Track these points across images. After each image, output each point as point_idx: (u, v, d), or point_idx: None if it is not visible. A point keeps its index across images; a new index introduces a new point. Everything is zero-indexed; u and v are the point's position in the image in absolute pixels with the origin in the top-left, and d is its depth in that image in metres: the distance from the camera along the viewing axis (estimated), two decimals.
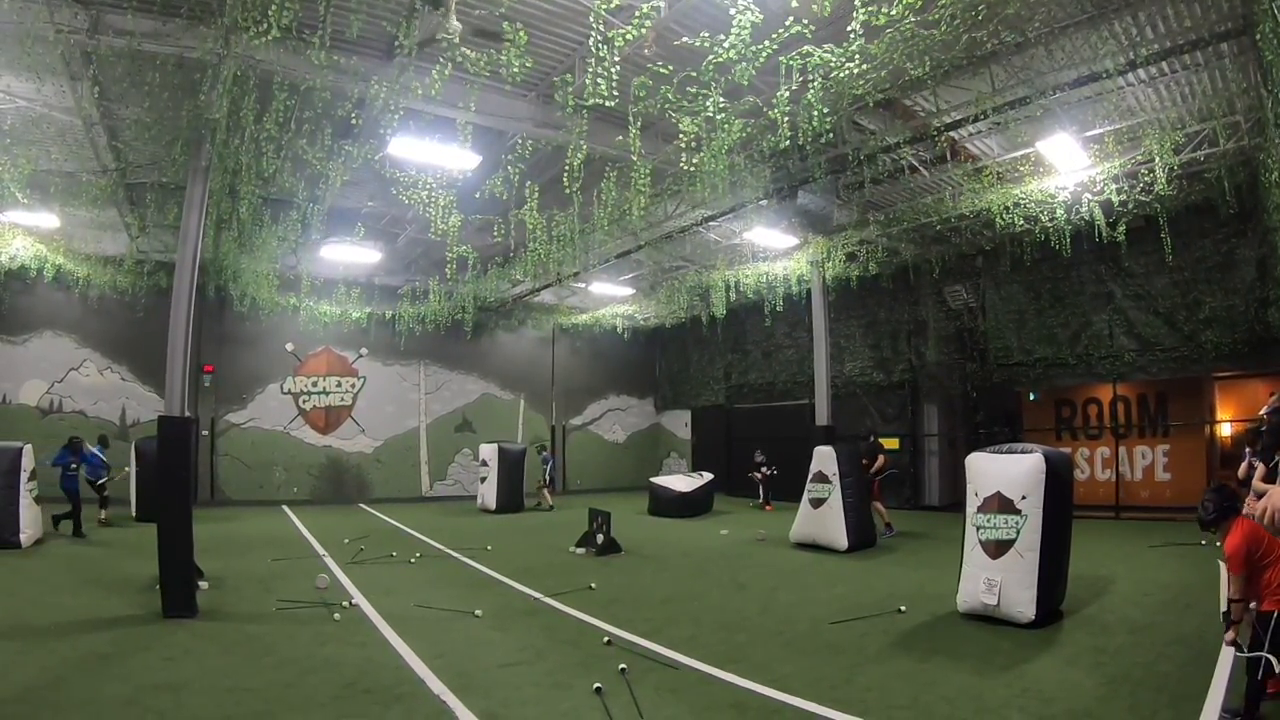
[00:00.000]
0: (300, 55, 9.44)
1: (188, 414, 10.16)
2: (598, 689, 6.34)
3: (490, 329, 27.91)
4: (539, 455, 24.21)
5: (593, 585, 10.93)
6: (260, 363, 24.23)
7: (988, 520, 8.87)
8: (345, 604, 9.59)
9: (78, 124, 12.42)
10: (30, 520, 13.52)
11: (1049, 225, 14.90)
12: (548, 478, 24.03)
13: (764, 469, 22.91)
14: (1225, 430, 19.58)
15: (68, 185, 14.42)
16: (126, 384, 22.02)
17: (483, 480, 22.34)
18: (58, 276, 19.38)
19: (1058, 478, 8.71)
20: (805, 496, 14.88)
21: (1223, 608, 5.71)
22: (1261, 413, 6.23)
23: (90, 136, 12.90)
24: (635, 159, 11.50)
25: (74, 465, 15.36)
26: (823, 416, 17.55)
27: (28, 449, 13.97)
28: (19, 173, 12.96)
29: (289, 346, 24.66)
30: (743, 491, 25.17)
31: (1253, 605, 5.38)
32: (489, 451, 22.22)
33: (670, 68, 9.77)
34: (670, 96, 10.17)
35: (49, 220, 16.81)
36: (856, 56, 9.21)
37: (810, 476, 14.85)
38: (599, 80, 9.24)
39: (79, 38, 9.25)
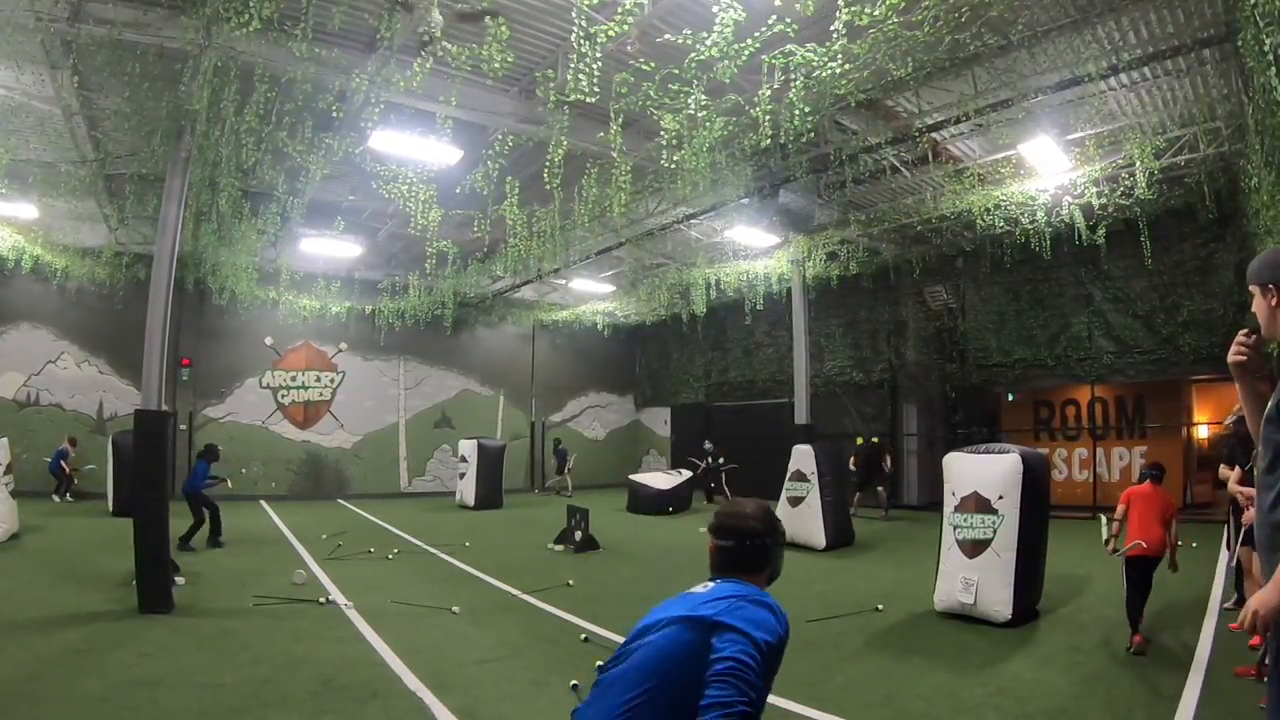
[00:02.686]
0: (282, 47, 9.39)
1: (165, 408, 10.10)
2: (574, 686, 6.33)
3: (470, 325, 27.85)
4: (557, 449, 27.08)
5: (570, 582, 10.93)
6: (239, 356, 24.07)
7: (965, 520, 8.93)
8: (321, 600, 9.55)
9: (57, 113, 12.31)
10: (5, 514, 13.39)
11: (1029, 227, 14.96)
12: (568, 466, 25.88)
13: (711, 460, 23.66)
14: (1202, 433, 19.77)
15: (46, 175, 14.30)
16: (104, 377, 21.84)
17: (462, 476, 22.32)
18: (35, 268, 19.18)
19: (1035, 478, 8.77)
20: (783, 495, 14.92)
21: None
22: (1226, 421, 6.34)
23: (70, 126, 12.79)
24: (617, 155, 11.47)
25: None
26: (802, 415, 17.60)
27: (4, 442, 13.84)
28: None
29: (268, 340, 24.52)
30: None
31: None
32: (468, 448, 22.20)
33: (653, 64, 9.75)
34: (652, 93, 10.15)
35: (27, 211, 16.65)
36: (839, 56, 9.21)
37: (788, 475, 14.89)
38: (581, 76, 9.21)
39: (59, 26, 9.15)
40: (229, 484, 14.85)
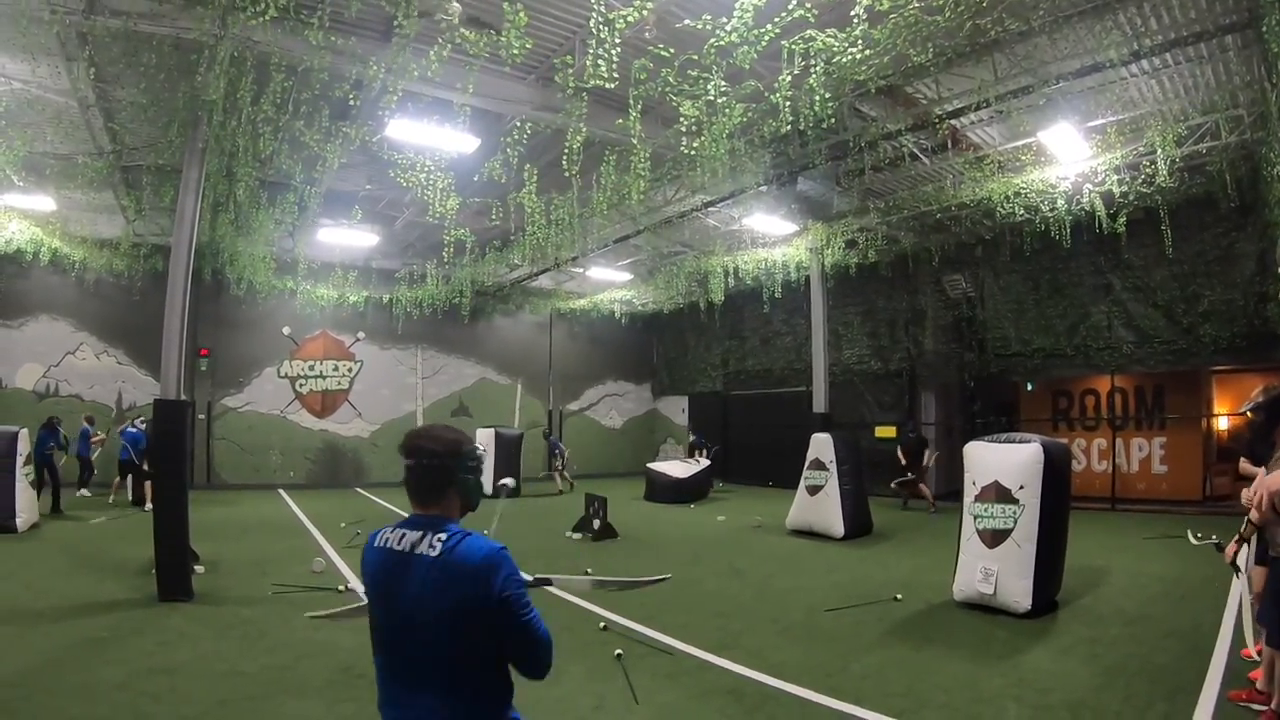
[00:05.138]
0: (298, 36, 9.36)
1: (184, 398, 10.13)
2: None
3: (488, 313, 27.85)
4: (547, 440, 25.28)
5: (589, 570, 10.93)
6: (257, 346, 24.18)
7: (985, 509, 8.87)
8: (340, 589, 9.58)
9: (73, 106, 12.32)
10: (26, 504, 13.49)
11: (1049, 215, 14.87)
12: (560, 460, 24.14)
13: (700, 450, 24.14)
14: (1222, 424, 19.61)
15: (64, 167, 14.36)
16: (123, 367, 21.97)
17: None
18: (54, 260, 19.30)
19: (1055, 468, 8.70)
20: (802, 483, 14.90)
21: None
22: (1244, 409, 6.19)
23: (86, 118, 12.81)
24: (635, 143, 11.43)
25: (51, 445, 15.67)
26: (820, 404, 17.58)
27: (23, 433, 13.94)
28: (14, 155, 12.83)
29: (286, 330, 24.61)
30: (738, 476, 25.50)
31: None
32: (485, 436, 22.23)
33: (671, 50, 9.69)
34: (671, 79, 10.09)
35: (45, 203, 16.73)
36: (859, 41, 9.15)
37: (807, 463, 14.86)
38: (599, 62, 9.17)
39: (74, 18, 9.16)
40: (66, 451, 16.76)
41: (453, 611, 2.44)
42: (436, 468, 2.68)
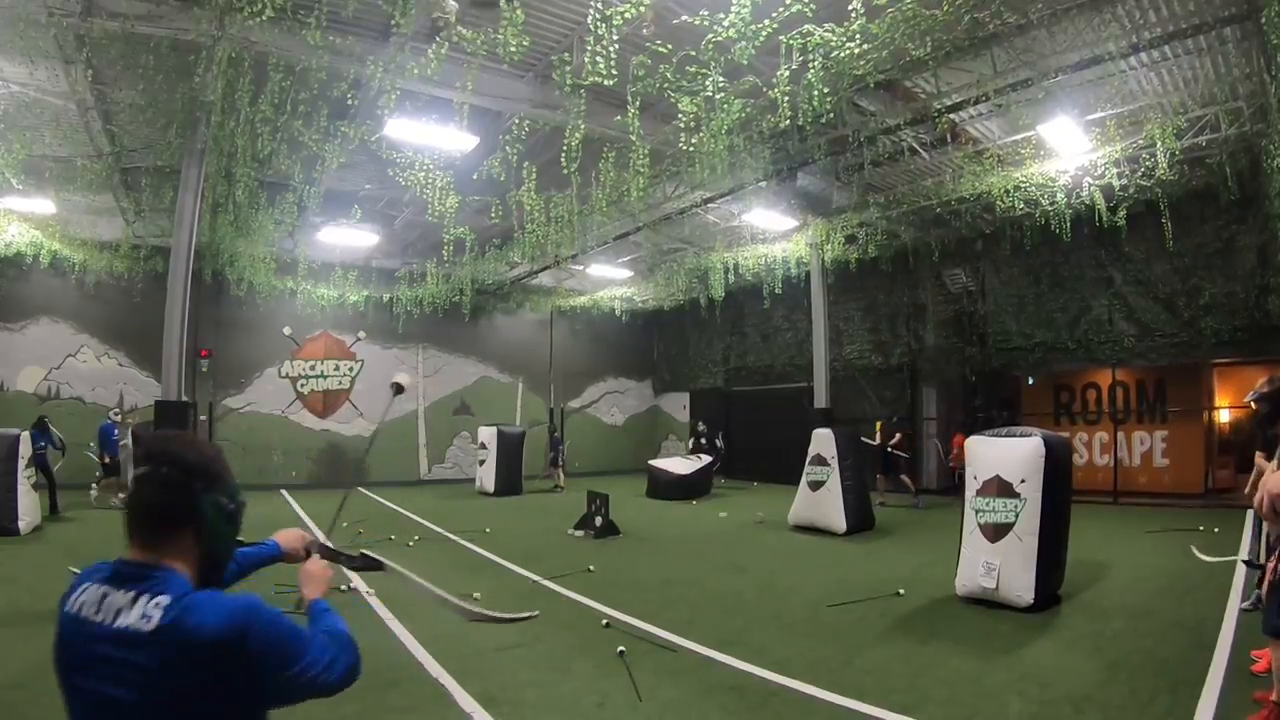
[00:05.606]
0: (295, 36, 9.38)
1: (185, 399, 10.14)
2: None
3: (488, 312, 27.81)
4: (553, 437, 25.30)
5: (591, 568, 10.93)
6: (258, 347, 24.15)
7: (987, 504, 8.85)
8: (342, 588, 9.56)
9: (72, 108, 12.35)
10: (28, 507, 13.49)
11: (1049, 209, 14.85)
12: (562, 458, 24.19)
13: (705, 440, 24.32)
14: (1224, 417, 19.57)
15: (63, 170, 14.36)
16: (124, 369, 21.94)
17: (481, 463, 22.38)
18: (54, 262, 19.37)
19: (1057, 462, 8.68)
20: (804, 479, 14.89)
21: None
22: (1247, 399, 6.16)
23: (85, 120, 12.83)
24: (634, 139, 11.42)
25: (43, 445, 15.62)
26: (821, 399, 17.57)
27: (25, 436, 13.93)
28: (13, 158, 12.85)
29: (286, 330, 24.56)
30: (739, 473, 25.52)
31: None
32: (487, 434, 22.25)
33: (669, 47, 9.69)
34: (669, 76, 10.11)
35: (44, 206, 16.74)
36: (857, 36, 9.15)
37: (809, 459, 14.86)
38: (597, 59, 9.19)
39: (72, 21, 9.18)
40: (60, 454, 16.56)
41: (185, 705, 1.72)
42: (178, 486, 1.91)
